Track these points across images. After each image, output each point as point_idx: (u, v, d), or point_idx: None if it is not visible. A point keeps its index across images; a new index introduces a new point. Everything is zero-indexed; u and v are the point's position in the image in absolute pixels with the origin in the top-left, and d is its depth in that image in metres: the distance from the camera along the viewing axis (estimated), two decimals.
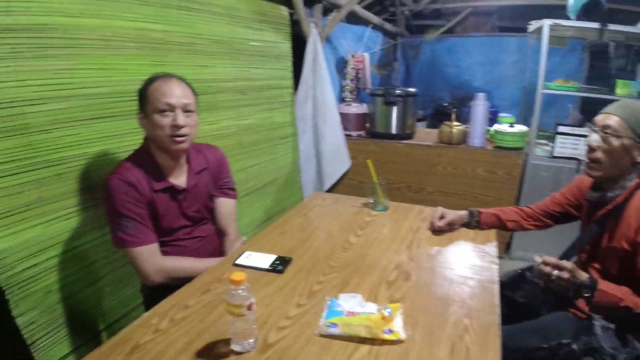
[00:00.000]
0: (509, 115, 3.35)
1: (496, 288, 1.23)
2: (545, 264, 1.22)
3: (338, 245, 1.47)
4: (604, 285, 1.19)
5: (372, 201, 1.82)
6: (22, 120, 1.32)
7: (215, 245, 1.64)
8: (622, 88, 2.99)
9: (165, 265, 1.40)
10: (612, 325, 0.93)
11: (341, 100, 3.57)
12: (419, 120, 4.94)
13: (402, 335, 0.99)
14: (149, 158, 1.42)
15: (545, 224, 1.63)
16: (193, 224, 1.54)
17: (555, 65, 5.12)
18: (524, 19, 3.16)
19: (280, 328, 1.03)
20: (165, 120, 1.34)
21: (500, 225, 1.63)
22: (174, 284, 1.41)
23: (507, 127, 2.86)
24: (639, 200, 1.22)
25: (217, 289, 1.20)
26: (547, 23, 2.84)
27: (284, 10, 2.70)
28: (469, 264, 1.38)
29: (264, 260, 1.36)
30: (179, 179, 1.48)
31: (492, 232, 1.62)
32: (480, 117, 2.87)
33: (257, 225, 2.60)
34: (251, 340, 0.96)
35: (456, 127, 2.91)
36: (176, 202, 1.46)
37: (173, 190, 1.45)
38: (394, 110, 2.98)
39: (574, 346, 0.91)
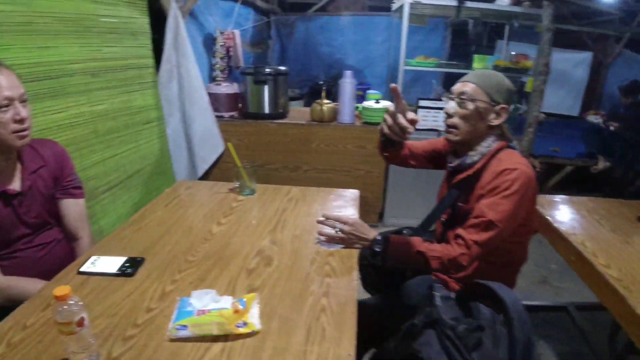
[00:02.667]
0: (376, 92, 3.48)
1: (354, 263, 1.25)
2: (326, 218, 1.34)
3: (199, 237, 1.38)
4: (395, 237, 1.31)
5: (238, 186, 1.76)
6: None
7: (65, 252, 1.46)
8: (478, 62, 3.27)
9: None
10: (452, 295, 0.99)
11: (212, 79, 3.41)
12: (296, 99, 4.95)
13: (257, 326, 0.95)
14: None
15: (408, 163, 1.65)
16: (34, 231, 1.35)
17: (420, 43, 5.47)
18: None
19: (126, 338, 0.93)
20: (7, 116, 1.17)
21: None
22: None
23: (373, 103, 2.97)
24: (496, 165, 1.28)
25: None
26: (407, 1, 2.98)
27: None
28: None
29: (113, 264, 1.22)
30: (12, 182, 1.28)
31: (356, 206, 1.66)
32: (349, 95, 2.94)
33: (126, 221, 2.37)
34: (93, 357, 0.86)
35: (326, 104, 2.95)
36: (11, 208, 1.26)
37: (5, 196, 1.25)
38: (265, 90, 2.92)
39: (416, 320, 0.95)
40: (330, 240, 1.35)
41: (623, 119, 4.06)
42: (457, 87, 1.37)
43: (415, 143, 1.64)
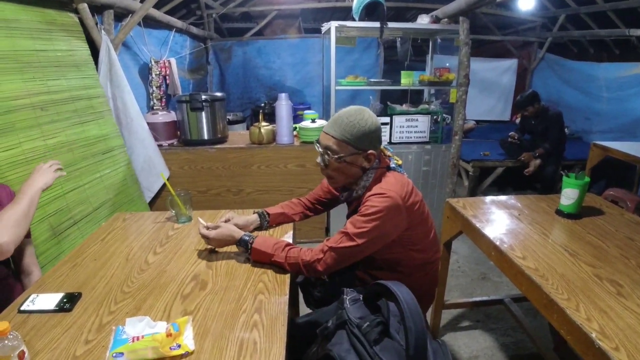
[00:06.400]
0: (312, 112, 3.61)
1: (287, 278, 1.33)
2: (205, 227, 1.49)
3: (135, 268, 1.41)
4: (259, 242, 1.40)
5: (174, 214, 1.79)
6: None
7: (12, 288, 1.48)
8: (405, 78, 3.45)
9: None
10: (359, 297, 1.08)
11: (150, 108, 3.42)
12: (239, 122, 5.03)
13: (190, 347, 1.00)
14: None
15: (318, 210, 1.81)
16: None
17: (355, 61, 5.71)
18: (325, 21, 3.44)
19: None
20: None
21: (288, 220, 1.75)
22: None
23: (310, 123, 3.08)
24: (375, 188, 1.38)
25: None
26: (333, 25, 3.12)
27: (74, 16, 2.48)
28: None
29: (51, 300, 1.24)
30: None
31: (289, 226, 1.75)
32: (285, 116, 3.04)
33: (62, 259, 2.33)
34: None
35: (264, 127, 3.03)
36: None
37: None
38: (203, 116, 2.97)
39: (330, 323, 1.03)
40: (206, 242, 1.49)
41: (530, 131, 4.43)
42: (322, 138, 1.42)
43: (310, 196, 1.81)
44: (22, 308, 1.22)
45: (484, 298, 2.57)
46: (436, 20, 3.47)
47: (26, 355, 0.88)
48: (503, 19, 5.88)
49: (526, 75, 6.45)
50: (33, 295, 1.27)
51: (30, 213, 1.38)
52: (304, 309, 1.77)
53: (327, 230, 3.45)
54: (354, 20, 3.35)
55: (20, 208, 1.35)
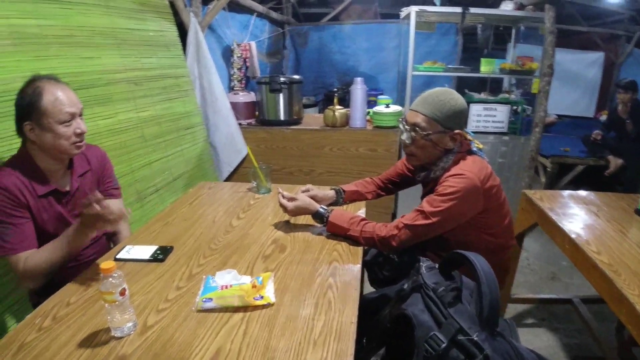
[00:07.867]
0: (386, 97, 3.61)
1: (359, 250, 1.40)
2: (282, 196, 1.57)
3: (221, 230, 1.54)
4: (335, 216, 1.47)
5: (255, 185, 1.92)
6: None
7: (104, 246, 1.64)
8: (485, 66, 3.37)
9: (26, 267, 1.29)
10: (435, 265, 1.13)
11: (231, 89, 3.60)
12: (311, 106, 5.13)
13: (272, 299, 1.10)
14: (30, 163, 1.36)
15: (390, 190, 1.86)
16: None
17: (432, 47, 5.60)
18: (403, 6, 3.41)
19: (159, 310, 1.09)
20: (70, 130, 1.33)
21: (362, 198, 1.81)
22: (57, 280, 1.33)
23: (383, 108, 3.10)
24: (453, 170, 1.41)
25: (98, 285, 1.22)
26: (413, 9, 3.12)
27: None
28: None
29: (145, 251, 1.38)
30: (63, 183, 1.45)
31: (362, 203, 1.82)
32: (360, 100, 3.07)
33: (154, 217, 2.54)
34: (130, 324, 1.00)
35: (339, 110, 3.10)
36: (61, 206, 1.43)
37: (57, 194, 1.41)
38: (281, 98, 3.08)
39: (405, 286, 1.09)
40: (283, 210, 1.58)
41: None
42: (409, 116, 1.45)
43: (383, 176, 1.85)
44: (118, 256, 1.36)
45: (552, 296, 2.50)
46: (520, 7, 3.35)
47: (127, 293, 1.00)
48: (589, 9, 5.50)
49: (613, 70, 6.01)
50: (128, 246, 1.42)
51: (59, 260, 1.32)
52: (367, 289, 1.83)
53: (394, 215, 3.47)
54: (434, 5, 3.31)
55: (58, 257, 1.31)
